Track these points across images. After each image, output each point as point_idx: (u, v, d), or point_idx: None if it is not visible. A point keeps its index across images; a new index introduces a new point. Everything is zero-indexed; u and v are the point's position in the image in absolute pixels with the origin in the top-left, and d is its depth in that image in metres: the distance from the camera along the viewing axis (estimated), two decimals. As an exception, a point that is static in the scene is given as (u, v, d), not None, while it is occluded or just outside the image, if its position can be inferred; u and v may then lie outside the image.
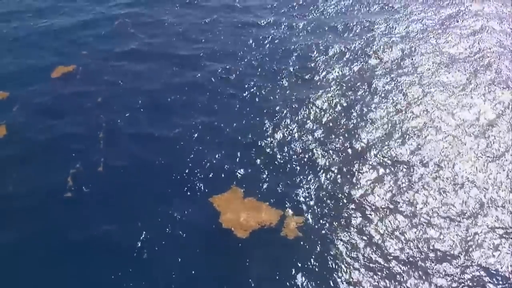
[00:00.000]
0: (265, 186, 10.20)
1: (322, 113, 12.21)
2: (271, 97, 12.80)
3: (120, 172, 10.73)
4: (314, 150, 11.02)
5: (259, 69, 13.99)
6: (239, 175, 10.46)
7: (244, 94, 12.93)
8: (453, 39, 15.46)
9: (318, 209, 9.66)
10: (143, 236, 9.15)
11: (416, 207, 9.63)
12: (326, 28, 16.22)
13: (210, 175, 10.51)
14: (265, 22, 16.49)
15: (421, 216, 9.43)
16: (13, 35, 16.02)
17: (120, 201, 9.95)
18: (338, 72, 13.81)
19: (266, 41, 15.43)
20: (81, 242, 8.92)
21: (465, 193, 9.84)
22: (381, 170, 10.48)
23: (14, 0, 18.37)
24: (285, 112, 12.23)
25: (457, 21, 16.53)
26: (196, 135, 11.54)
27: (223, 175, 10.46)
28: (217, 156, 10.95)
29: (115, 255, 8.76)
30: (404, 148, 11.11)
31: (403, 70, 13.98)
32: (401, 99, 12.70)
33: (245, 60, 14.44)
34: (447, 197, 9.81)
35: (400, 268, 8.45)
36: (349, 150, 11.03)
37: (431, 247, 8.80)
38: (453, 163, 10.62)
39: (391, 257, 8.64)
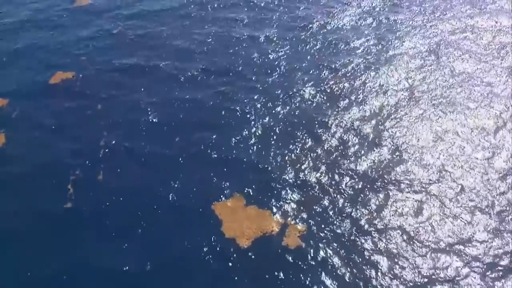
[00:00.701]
0: (267, 194, 10.23)
1: (324, 129, 12.12)
2: (271, 112, 12.77)
3: (121, 181, 10.68)
4: (317, 162, 11.08)
5: (258, 84, 13.91)
6: (240, 182, 10.48)
7: (244, 109, 12.88)
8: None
9: (320, 218, 9.70)
10: (142, 246, 9.08)
11: (423, 229, 9.55)
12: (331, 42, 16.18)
13: (211, 183, 10.52)
14: (264, 37, 16.55)
15: (427, 242, 9.26)
16: (12, 44, 16.09)
17: (120, 211, 9.88)
18: (341, 89, 13.64)
19: (266, 57, 15.42)
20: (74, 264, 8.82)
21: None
22: (387, 189, 10.39)
23: (14, 11, 18.49)
24: (286, 126, 12.20)
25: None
26: (195, 148, 11.50)
27: (224, 183, 10.47)
28: (218, 166, 10.97)
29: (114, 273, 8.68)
30: (408, 166, 10.99)
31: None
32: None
33: (245, 74, 14.40)
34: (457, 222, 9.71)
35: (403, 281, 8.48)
36: (353, 166, 10.98)
37: (436, 272, 8.74)
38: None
39: (393, 275, 8.65)
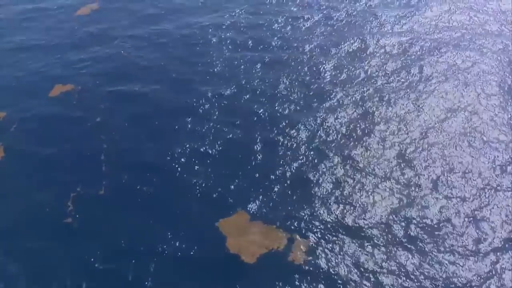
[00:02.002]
0: (271, 209, 10.14)
1: (326, 139, 12.06)
2: (270, 122, 12.71)
3: (122, 196, 10.53)
4: (321, 174, 11.00)
5: (255, 94, 13.78)
6: (244, 198, 10.38)
7: (243, 120, 12.77)
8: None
9: (326, 232, 9.61)
10: (148, 262, 8.92)
11: (429, 239, 9.48)
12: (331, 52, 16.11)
13: (215, 199, 10.40)
14: (262, 46, 16.52)
15: (432, 253, 9.17)
16: (12, 56, 15.97)
17: (122, 226, 9.72)
18: (339, 98, 13.62)
19: (262, 65, 15.26)
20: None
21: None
22: (392, 196, 10.35)
23: (13, 24, 18.38)
24: (287, 137, 12.15)
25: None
26: (197, 160, 11.40)
27: (228, 199, 10.37)
28: (221, 181, 10.87)
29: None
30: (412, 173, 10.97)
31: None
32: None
33: (242, 84, 14.26)
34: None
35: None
36: (358, 175, 10.92)
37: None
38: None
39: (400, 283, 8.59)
